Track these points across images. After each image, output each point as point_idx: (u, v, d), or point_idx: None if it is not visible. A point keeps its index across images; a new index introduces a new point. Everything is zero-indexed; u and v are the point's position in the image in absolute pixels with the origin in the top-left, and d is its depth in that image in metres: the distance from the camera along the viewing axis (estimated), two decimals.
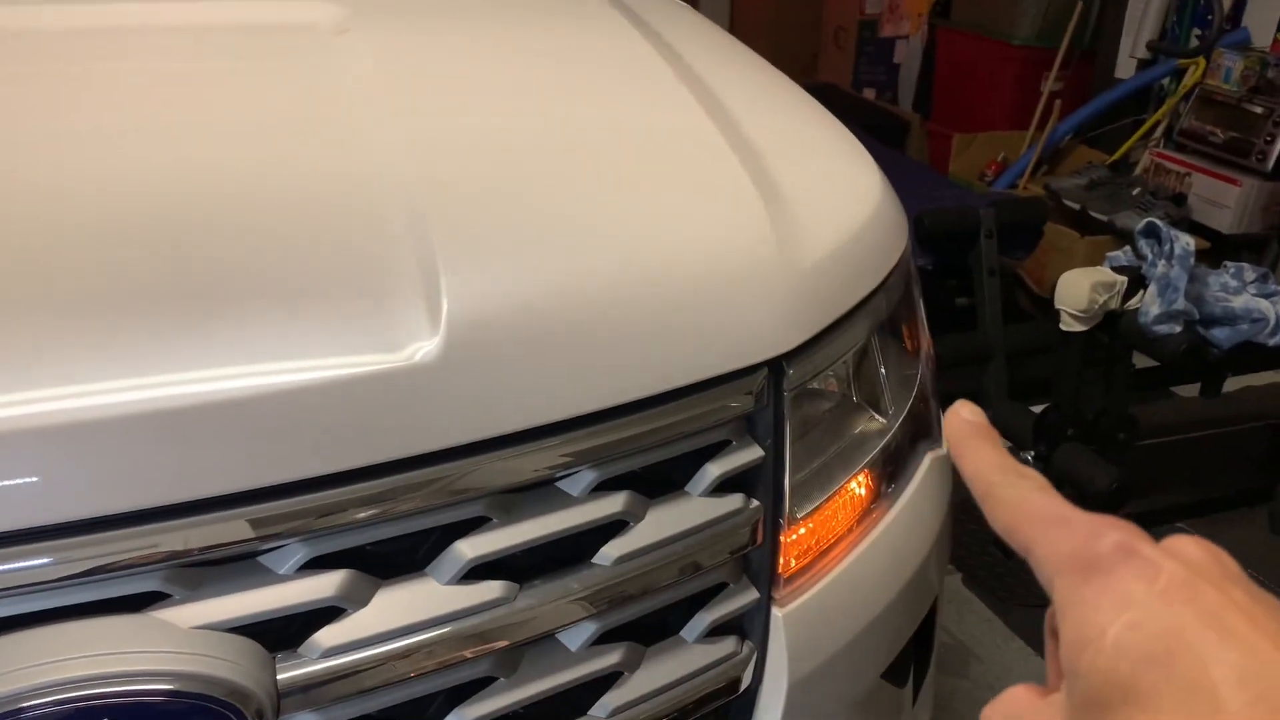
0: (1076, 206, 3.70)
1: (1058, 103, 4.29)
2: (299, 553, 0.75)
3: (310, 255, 0.81)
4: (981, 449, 0.41)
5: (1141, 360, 2.51)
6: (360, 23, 1.21)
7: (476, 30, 1.31)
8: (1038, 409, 2.52)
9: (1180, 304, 2.31)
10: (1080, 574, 0.34)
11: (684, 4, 1.70)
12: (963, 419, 0.42)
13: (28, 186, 0.83)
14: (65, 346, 0.71)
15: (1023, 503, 0.38)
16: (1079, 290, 2.33)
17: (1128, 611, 0.32)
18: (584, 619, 0.85)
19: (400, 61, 1.14)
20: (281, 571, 0.75)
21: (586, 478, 0.85)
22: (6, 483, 0.67)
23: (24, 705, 0.67)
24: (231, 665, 0.71)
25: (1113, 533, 0.35)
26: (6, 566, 0.68)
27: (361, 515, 0.76)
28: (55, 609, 0.71)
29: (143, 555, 0.71)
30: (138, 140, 0.92)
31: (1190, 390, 3.19)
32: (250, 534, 0.74)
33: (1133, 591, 0.33)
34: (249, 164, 0.90)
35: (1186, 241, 2.36)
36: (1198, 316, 2.39)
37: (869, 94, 5.46)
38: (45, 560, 0.69)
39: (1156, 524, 2.52)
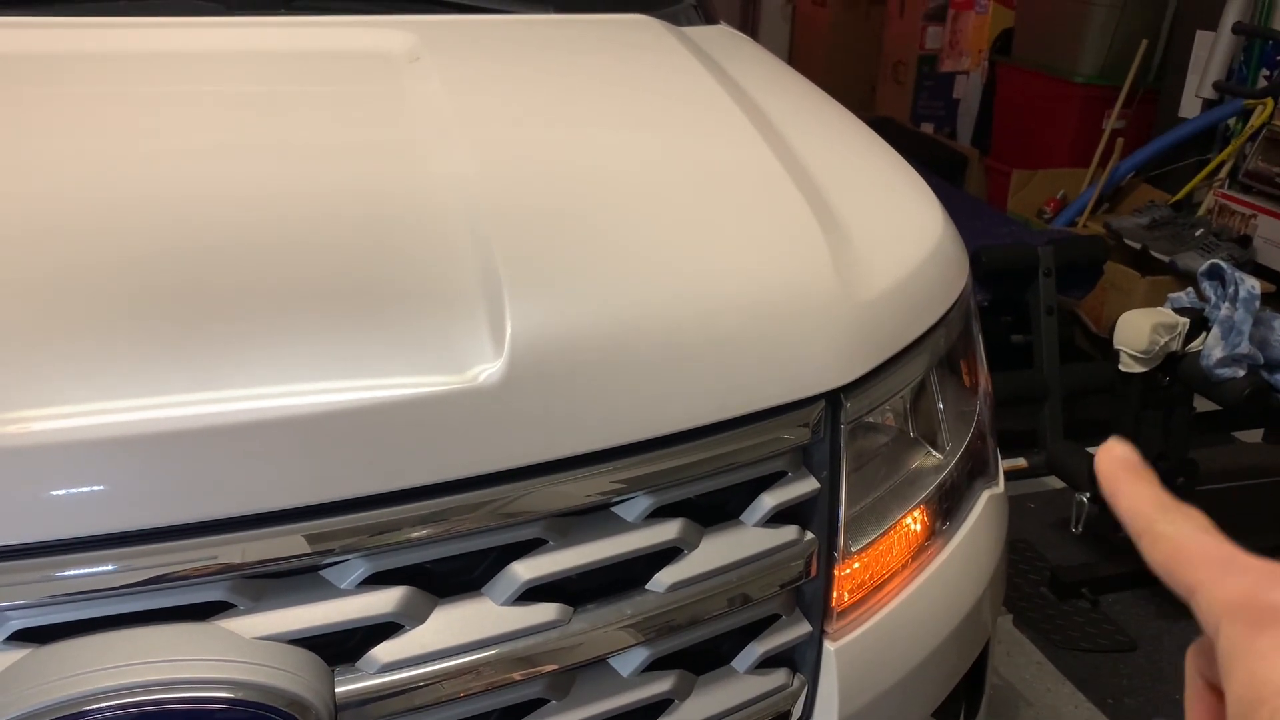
0: (1137, 246, 3.64)
1: (1120, 141, 4.24)
2: (360, 568, 0.77)
3: (379, 276, 0.83)
4: (1138, 486, 0.39)
5: (1202, 404, 2.46)
6: (431, 51, 1.24)
7: (543, 61, 1.34)
8: (1094, 450, 2.47)
9: (1244, 347, 2.27)
10: (1253, 624, 0.32)
11: (746, 38, 1.72)
12: (1115, 456, 0.40)
13: (120, 204, 0.86)
14: (140, 358, 0.73)
15: (1186, 542, 0.36)
16: (1140, 331, 2.29)
17: None
18: (636, 645, 0.85)
19: (469, 89, 1.16)
20: (343, 586, 0.77)
21: (642, 504, 0.86)
22: (76, 490, 0.69)
23: (87, 709, 0.69)
24: (292, 676, 0.73)
25: None
26: (73, 572, 0.70)
27: (421, 533, 0.78)
28: (124, 615, 0.73)
29: (206, 566, 0.73)
30: (218, 161, 0.95)
31: (1253, 436, 3.11)
32: (312, 548, 0.75)
33: None
34: (321, 185, 0.93)
35: (1252, 284, 2.32)
36: (1262, 361, 2.34)
37: (927, 129, 5.44)
38: (110, 567, 0.71)
39: None
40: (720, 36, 1.63)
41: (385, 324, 0.80)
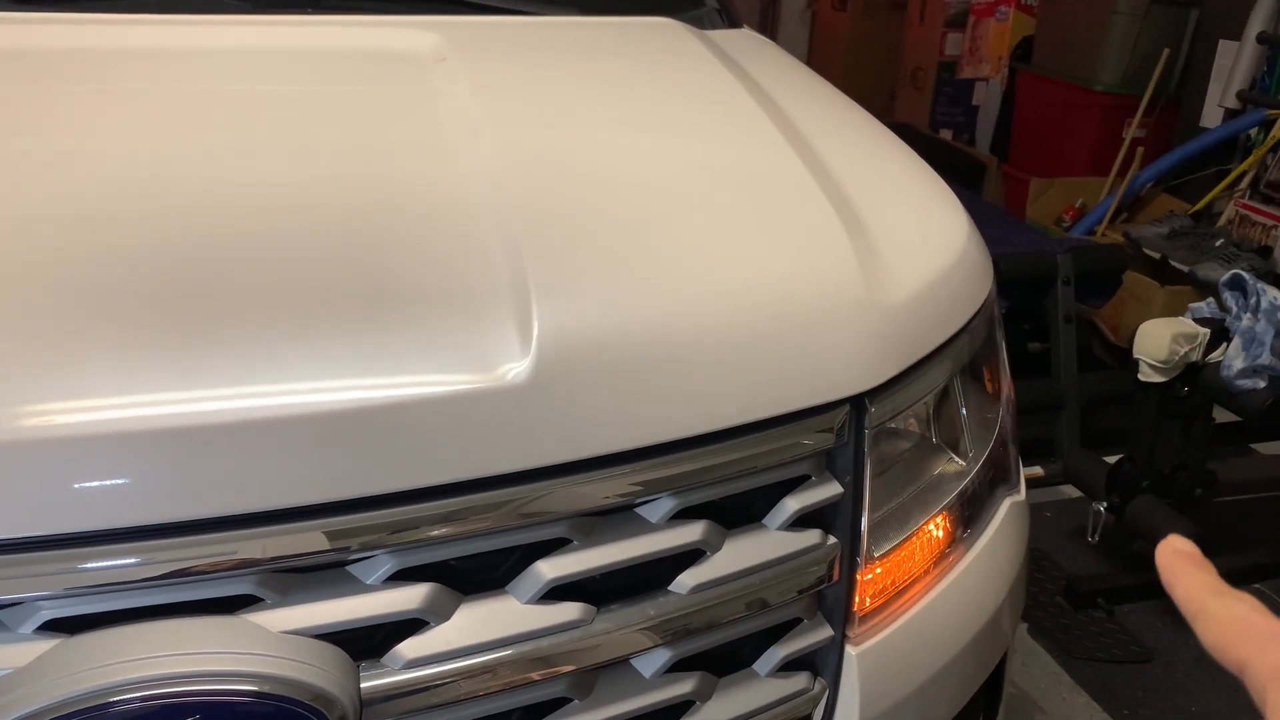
0: (1157, 255, 3.62)
1: (1140, 150, 4.22)
2: (386, 564, 0.77)
3: (408, 275, 0.84)
4: (1195, 574, 0.41)
5: (1222, 414, 2.45)
6: (457, 52, 1.25)
7: (569, 63, 1.34)
8: (1111, 459, 2.46)
9: (1265, 359, 2.25)
10: None
11: (770, 42, 1.72)
12: (1176, 548, 0.43)
13: (151, 199, 0.87)
14: (169, 352, 0.74)
15: (1238, 621, 0.38)
16: (1159, 340, 2.28)
17: None
18: (659, 646, 0.85)
19: (497, 91, 1.17)
20: (369, 581, 0.77)
21: (665, 505, 0.86)
22: (102, 483, 0.70)
23: (114, 700, 0.69)
24: (318, 671, 0.73)
25: None
26: (99, 564, 0.71)
27: (446, 531, 0.78)
28: (152, 607, 0.73)
29: (231, 560, 0.73)
30: (248, 158, 0.96)
31: (1272, 448, 3.09)
32: (339, 544, 0.76)
33: None
34: (351, 184, 0.93)
35: (1275, 295, 2.30)
36: None
37: (945, 135, 5.43)
38: (136, 560, 0.72)
39: (1233, 585, 2.44)
40: (744, 40, 1.63)
41: (413, 322, 0.80)
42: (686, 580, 0.86)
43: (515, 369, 0.79)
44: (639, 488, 0.84)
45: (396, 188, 0.94)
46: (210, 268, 0.81)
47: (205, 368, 0.74)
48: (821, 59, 6.23)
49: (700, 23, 1.61)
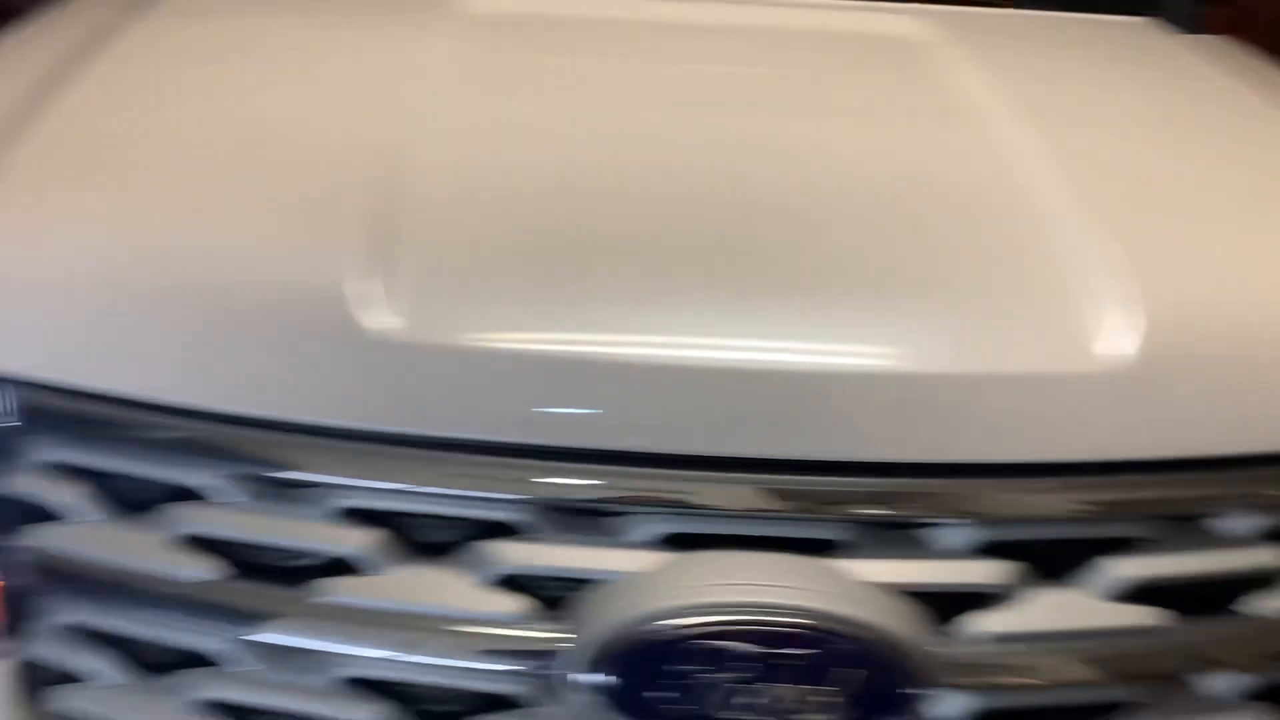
0: None
1: None
2: (974, 535, 0.77)
3: (987, 258, 0.84)
4: None
5: None
6: (950, 40, 1.24)
7: (1062, 62, 1.30)
8: None
9: None
10: None
11: (1251, 52, 1.60)
12: None
13: (690, 172, 0.92)
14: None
15: None
16: None
17: None
18: (1228, 669, 0.80)
19: (1008, 76, 1.15)
20: (953, 548, 0.77)
21: (1247, 522, 0.81)
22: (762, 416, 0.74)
23: (724, 620, 0.73)
24: (905, 626, 0.74)
25: None
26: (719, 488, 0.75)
27: (1035, 511, 0.77)
28: (750, 538, 0.76)
29: (833, 508, 0.76)
30: (796, 134, 1.00)
31: None
32: (936, 509, 0.76)
33: None
34: (892, 164, 0.96)
35: None
36: None
37: None
38: (747, 489, 0.75)
39: None
40: (1224, 47, 1.52)
41: (1012, 304, 0.80)
42: (1275, 603, 0.80)
43: (1122, 354, 0.76)
44: (1221, 495, 0.80)
45: (940, 171, 0.95)
46: (790, 235, 0.85)
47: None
48: None
49: (1175, 24, 1.52)
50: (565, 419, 0.75)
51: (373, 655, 0.75)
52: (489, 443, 0.75)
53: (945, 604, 0.77)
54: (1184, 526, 0.80)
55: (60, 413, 0.77)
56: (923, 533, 0.77)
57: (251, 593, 0.76)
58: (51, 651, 0.80)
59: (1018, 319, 0.79)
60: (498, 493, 0.75)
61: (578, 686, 0.73)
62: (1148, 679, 0.79)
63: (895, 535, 0.77)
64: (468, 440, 0.75)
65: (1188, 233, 0.89)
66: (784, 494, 0.76)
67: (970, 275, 0.82)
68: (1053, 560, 0.80)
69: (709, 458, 0.75)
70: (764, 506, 0.75)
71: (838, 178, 0.93)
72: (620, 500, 0.75)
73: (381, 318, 0.74)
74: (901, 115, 1.07)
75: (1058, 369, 0.77)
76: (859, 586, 0.74)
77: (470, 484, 0.75)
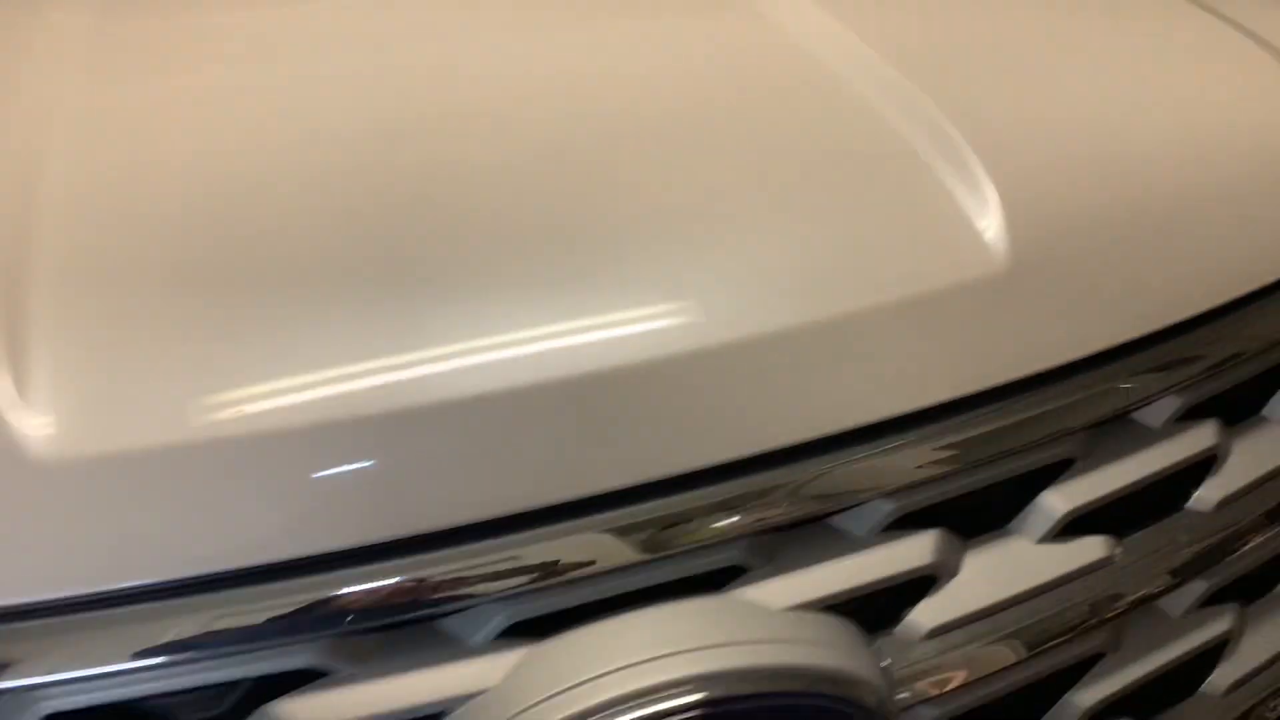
0: None
1: None
2: (882, 510, 0.61)
3: (840, 170, 0.67)
4: None
5: None
6: None
7: None
8: None
9: None
10: None
11: None
12: None
13: (518, 127, 0.71)
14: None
15: None
16: None
17: None
18: (1188, 579, 0.69)
19: None
20: (862, 534, 0.61)
21: (1168, 406, 0.69)
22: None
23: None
24: (845, 654, 0.58)
25: None
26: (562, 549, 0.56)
27: (943, 465, 0.62)
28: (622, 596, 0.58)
29: (721, 524, 0.58)
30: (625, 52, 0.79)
31: None
32: (829, 491, 0.60)
33: None
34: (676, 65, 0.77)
35: None
36: None
37: None
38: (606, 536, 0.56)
39: None
40: None
41: (873, 221, 0.64)
42: (1208, 495, 0.69)
43: (988, 262, 0.62)
44: (1138, 389, 0.68)
45: (772, 83, 0.77)
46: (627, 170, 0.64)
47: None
48: None
49: None
50: (327, 514, 0.53)
51: None
52: (240, 571, 0.53)
53: (877, 606, 0.62)
54: (1108, 433, 0.68)
55: None
56: (831, 525, 0.61)
57: None
58: None
59: (883, 239, 0.63)
60: (266, 639, 0.53)
61: None
62: (1117, 615, 0.67)
63: (797, 540, 0.61)
64: (207, 576, 0.53)
65: (1035, 108, 0.75)
66: (628, 530, 0.56)
67: (812, 196, 0.65)
68: (979, 515, 0.66)
69: (526, 513, 0.55)
70: (617, 554, 0.56)
71: (611, 88, 0.74)
72: (423, 601, 0.54)
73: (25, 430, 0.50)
74: (666, 6, 0.89)
75: (945, 284, 0.61)
76: (772, 621, 0.57)
77: (223, 635, 0.53)
